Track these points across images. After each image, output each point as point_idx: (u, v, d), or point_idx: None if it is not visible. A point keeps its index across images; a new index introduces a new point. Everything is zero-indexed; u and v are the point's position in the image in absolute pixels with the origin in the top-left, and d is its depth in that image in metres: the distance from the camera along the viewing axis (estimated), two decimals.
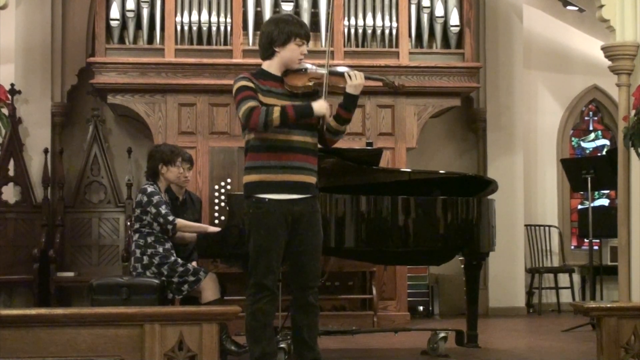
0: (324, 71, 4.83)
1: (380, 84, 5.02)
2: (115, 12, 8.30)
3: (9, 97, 8.49)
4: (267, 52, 4.85)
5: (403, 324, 8.33)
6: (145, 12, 8.35)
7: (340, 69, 4.91)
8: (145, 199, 6.11)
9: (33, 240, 8.93)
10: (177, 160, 6.30)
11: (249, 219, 4.80)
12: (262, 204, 4.73)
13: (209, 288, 6.01)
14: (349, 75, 4.79)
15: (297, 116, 4.68)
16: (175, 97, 8.40)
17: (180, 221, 6.14)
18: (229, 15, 8.41)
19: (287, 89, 4.81)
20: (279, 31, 4.78)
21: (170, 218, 6.08)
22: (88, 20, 9.26)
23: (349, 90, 4.79)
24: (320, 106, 4.73)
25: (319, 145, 4.93)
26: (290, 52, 4.80)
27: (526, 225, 10.00)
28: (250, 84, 4.74)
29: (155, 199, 6.10)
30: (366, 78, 4.85)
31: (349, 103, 4.82)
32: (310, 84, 4.82)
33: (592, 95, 10.70)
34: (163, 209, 6.08)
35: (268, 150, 4.74)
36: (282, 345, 5.76)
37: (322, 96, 4.78)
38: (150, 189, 6.16)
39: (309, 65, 4.88)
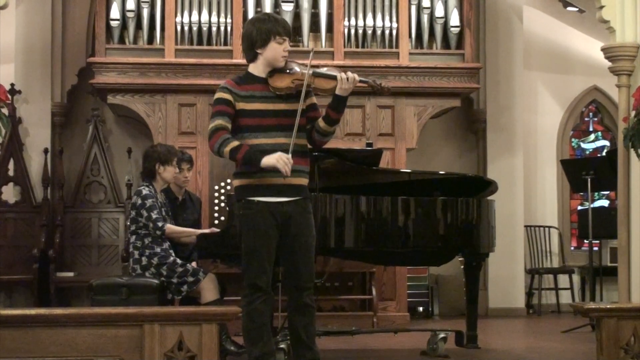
0: (307, 71, 4.73)
1: (366, 85, 4.90)
2: (115, 12, 8.30)
3: (9, 97, 8.49)
4: (249, 54, 4.81)
5: (403, 324, 8.33)
6: (145, 12, 8.35)
7: (325, 69, 4.83)
8: (139, 201, 6.12)
9: (33, 240, 8.93)
10: (174, 160, 6.30)
11: (239, 220, 4.81)
12: (252, 205, 4.72)
13: (209, 289, 6.01)
14: (346, 79, 4.71)
15: (243, 162, 4.66)
16: (175, 97, 8.40)
17: (169, 227, 6.14)
18: (229, 16, 8.41)
19: (271, 90, 4.77)
20: (257, 32, 4.73)
21: (160, 224, 6.07)
22: (88, 20, 9.26)
23: (338, 92, 4.73)
24: (268, 160, 4.60)
25: (310, 146, 4.91)
26: (272, 52, 4.75)
27: (526, 226, 10.00)
28: (227, 96, 4.72)
29: (148, 202, 6.09)
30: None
31: (339, 104, 4.75)
32: (293, 85, 4.74)
33: (592, 96, 10.70)
34: (154, 214, 6.07)
35: None
36: (282, 346, 5.76)
37: (288, 148, 4.63)
38: (145, 191, 6.15)
39: (295, 66, 4.81)
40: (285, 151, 4.63)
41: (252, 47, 4.77)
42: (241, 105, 4.72)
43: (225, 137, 4.67)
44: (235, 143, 4.65)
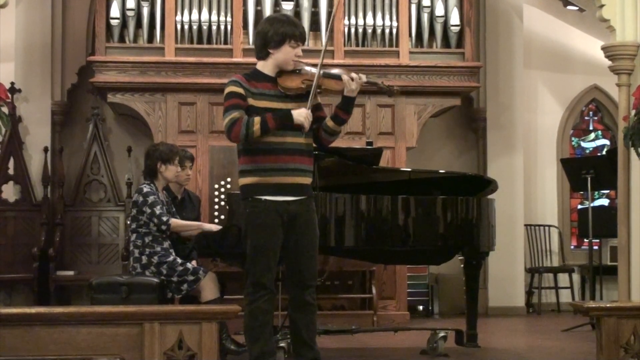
0: (317, 72, 4.76)
1: (375, 87, 4.97)
2: (115, 11, 8.30)
3: (9, 95, 8.48)
4: (261, 52, 4.83)
5: (403, 323, 8.33)
6: (145, 11, 8.35)
7: (334, 70, 4.87)
8: (140, 199, 6.10)
9: (33, 239, 8.93)
10: (176, 159, 6.29)
11: (245, 218, 4.81)
12: (259, 203, 4.73)
13: (209, 287, 6.01)
14: (350, 79, 4.76)
15: (277, 125, 4.68)
16: (175, 96, 8.40)
17: (174, 221, 6.12)
18: (229, 14, 8.41)
19: (280, 90, 4.79)
20: (273, 32, 4.75)
21: (164, 218, 6.06)
22: (88, 19, 9.26)
23: (347, 93, 4.78)
24: (299, 114, 4.69)
25: (315, 145, 4.93)
26: (284, 54, 4.78)
27: (526, 225, 10.00)
28: (240, 90, 4.73)
29: (151, 199, 6.08)
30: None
31: (347, 105, 4.82)
32: (303, 85, 4.77)
33: (592, 95, 10.70)
34: (157, 209, 6.06)
35: (262, 153, 4.73)
36: (281, 345, 5.76)
37: (307, 102, 4.73)
38: (146, 189, 6.14)
39: (304, 66, 4.83)
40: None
41: (265, 46, 4.79)
42: (251, 102, 4.74)
43: (246, 120, 4.66)
44: (258, 118, 4.66)
